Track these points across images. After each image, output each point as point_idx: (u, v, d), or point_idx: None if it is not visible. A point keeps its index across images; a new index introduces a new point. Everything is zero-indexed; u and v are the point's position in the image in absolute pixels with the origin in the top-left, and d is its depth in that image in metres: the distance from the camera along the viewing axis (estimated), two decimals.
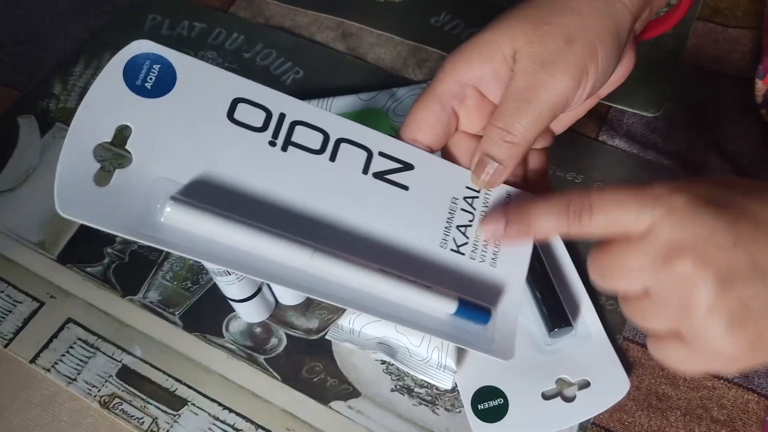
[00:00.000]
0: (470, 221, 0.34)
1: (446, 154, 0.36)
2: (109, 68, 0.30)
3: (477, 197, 0.35)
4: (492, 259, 0.34)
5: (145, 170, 0.29)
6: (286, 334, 0.48)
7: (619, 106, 0.58)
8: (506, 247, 0.34)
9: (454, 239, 0.34)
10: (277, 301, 0.49)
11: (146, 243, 0.28)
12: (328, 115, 0.32)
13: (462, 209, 0.34)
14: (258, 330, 0.49)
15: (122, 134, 0.29)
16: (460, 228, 0.34)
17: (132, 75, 0.30)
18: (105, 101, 0.29)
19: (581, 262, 0.50)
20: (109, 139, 0.29)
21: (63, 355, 0.48)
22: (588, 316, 0.47)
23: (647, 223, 0.28)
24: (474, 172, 0.34)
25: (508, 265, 0.34)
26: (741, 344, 0.27)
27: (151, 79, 0.30)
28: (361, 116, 0.57)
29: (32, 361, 0.48)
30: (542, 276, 0.47)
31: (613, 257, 0.29)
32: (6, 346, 0.49)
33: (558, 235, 0.31)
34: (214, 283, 0.50)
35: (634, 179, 0.54)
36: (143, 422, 0.45)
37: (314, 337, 0.48)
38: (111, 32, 0.67)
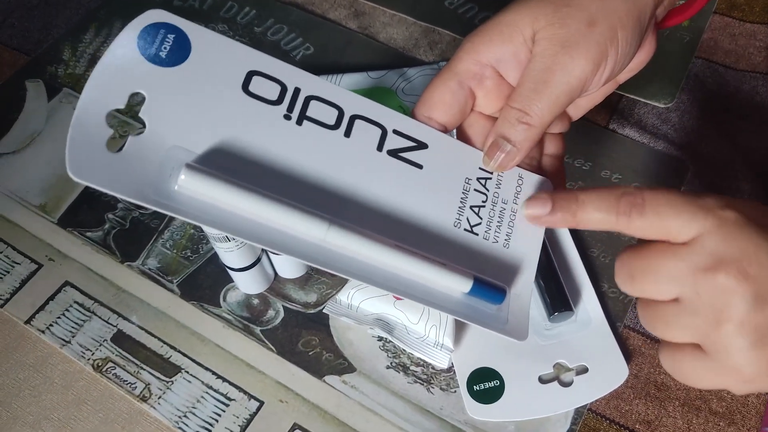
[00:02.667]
0: (483, 202, 0.34)
1: (460, 134, 0.35)
2: (123, 35, 0.29)
3: (490, 178, 0.34)
4: (505, 240, 0.34)
5: (158, 138, 0.29)
6: (284, 307, 0.48)
7: (632, 96, 0.57)
8: (519, 229, 0.34)
9: (467, 219, 0.33)
10: (276, 273, 0.49)
11: (158, 210, 0.28)
12: (343, 91, 0.32)
13: (475, 189, 0.34)
14: (255, 301, 0.48)
15: (135, 102, 0.29)
16: (474, 208, 0.34)
17: (147, 43, 0.29)
18: (119, 68, 0.29)
19: (584, 248, 0.49)
20: (122, 106, 0.29)
21: (58, 318, 0.48)
22: (589, 303, 0.46)
23: (695, 231, 0.28)
24: (486, 154, 0.34)
25: (521, 246, 0.34)
26: (761, 364, 0.27)
27: (165, 48, 0.29)
28: (370, 94, 0.56)
29: (27, 322, 0.48)
30: (545, 260, 0.46)
31: (649, 261, 0.29)
32: (2, 306, 0.49)
33: (603, 227, 0.31)
34: (214, 253, 0.50)
35: (644, 169, 0.53)
36: (135, 387, 0.45)
37: (312, 311, 0.48)
38: (121, 1, 0.66)
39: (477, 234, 0.33)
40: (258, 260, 0.45)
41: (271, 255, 0.47)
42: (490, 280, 0.33)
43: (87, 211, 0.53)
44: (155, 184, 0.28)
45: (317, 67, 0.60)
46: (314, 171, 0.31)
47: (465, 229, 0.33)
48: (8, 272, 0.50)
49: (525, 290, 0.34)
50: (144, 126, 0.29)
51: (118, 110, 0.28)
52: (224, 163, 0.29)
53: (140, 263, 0.50)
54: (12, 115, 0.58)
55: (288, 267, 0.48)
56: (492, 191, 0.34)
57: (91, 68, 0.61)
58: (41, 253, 0.51)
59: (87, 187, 0.54)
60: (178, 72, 0.29)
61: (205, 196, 0.28)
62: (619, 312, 0.46)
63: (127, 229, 0.52)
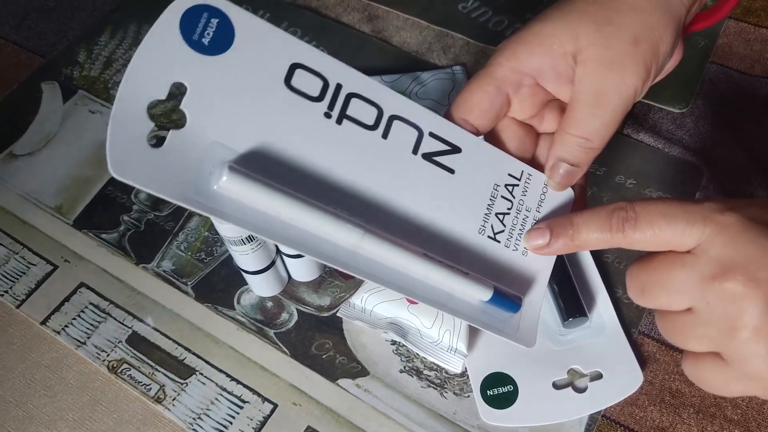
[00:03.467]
0: (508, 209, 0.34)
1: (492, 138, 0.36)
2: (164, 18, 0.27)
3: (517, 185, 0.34)
4: (524, 248, 0.34)
5: (199, 133, 0.27)
6: (298, 310, 0.48)
7: (646, 101, 0.57)
8: None
9: (492, 226, 0.33)
10: (290, 276, 0.49)
11: (199, 211, 0.27)
12: (384, 89, 0.31)
13: (502, 196, 0.34)
14: (269, 304, 0.48)
15: (177, 92, 0.27)
16: (499, 215, 0.34)
17: (189, 27, 0.27)
18: (160, 54, 0.27)
19: (599, 253, 0.49)
20: (163, 97, 0.27)
21: (74, 319, 0.48)
22: (604, 308, 0.46)
23: (695, 240, 0.27)
24: (550, 176, 0.35)
25: (537, 256, 0.34)
26: None
27: (208, 34, 0.27)
28: None
29: (43, 323, 0.48)
30: (559, 266, 0.46)
31: (657, 273, 0.29)
32: (18, 306, 0.49)
33: (603, 246, 0.31)
34: (228, 256, 0.50)
35: (658, 174, 0.53)
36: (150, 389, 0.45)
37: (325, 314, 0.48)
38: (136, 4, 0.67)
39: (499, 242, 0.34)
40: (272, 263, 0.46)
41: (285, 258, 0.47)
42: (508, 291, 0.33)
43: (102, 213, 0.53)
44: (195, 184, 0.27)
45: None
46: (350, 173, 0.30)
47: (488, 236, 0.33)
48: (24, 273, 0.51)
49: (536, 298, 0.35)
50: (185, 119, 0.27)
51: (159, 101, 0.27)
52: (263, 163, 0.28)
53: (155, 265, 0.51)
54: (28, 117, 0.59)
55: (302, 270, 0.48)
56: (518, 199, 0.34)
57: (106, 70, 0.61)
58: (57, 255, 0.51)
59: (102, 189, 0.54)
60: (221, 61, 0.28)
61: (244, 198, 0.28)
62: (634, 318, 0.46)
63: (142, 231, 0.52)
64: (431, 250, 0.31)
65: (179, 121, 0.28)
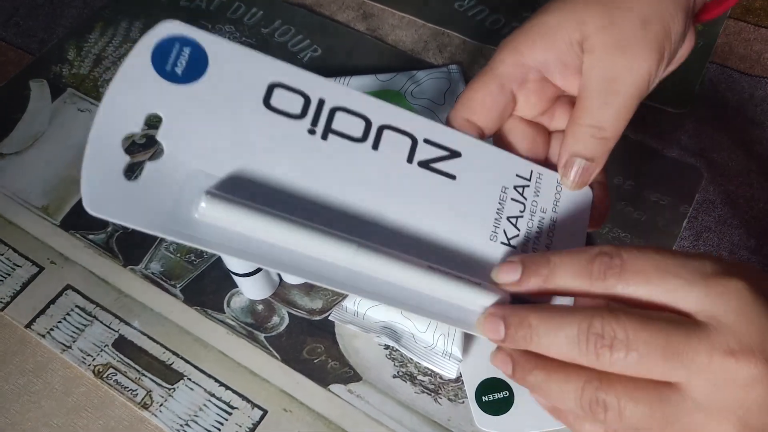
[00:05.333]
0: (521, 212, 0.32)
1: (500, 140, 0.34)
2: (136, 52, 0.27)
3: (528, 186, 0.32)
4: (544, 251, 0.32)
5: (177, 163, 0.27)
6: (289, 313, 0.47)
7: (645, 101, 0.56)
8: (559, 240, 0.32)
9: (504, 231, 0.32)
10: (281, 279, 0.48)
11: (180, 241, 0.26)
12: (370, 99, 0.30)
13: (512, 199, 0.32)
14: (260, 307, 0.47)
15: (152, 124, 0.27)
16: (511, 219, 0.32)
17: (161, 59, 0.27)
18: (133, 88, 0.27)
19: None
20: (138, 130, 0.26)
21: (59, 322, 0.47)
22: None
23: (693, 303, 0.24)
24: (564, 174, 0.32)
25: None
26: None
27: (181, 63, 0.27)
28: (378, 97, 0.56)
29: (28, 326, 0.47)
30: None
31: (656, 332, 0.24)
32: (2, 309, 0.48)
33: (581, 295, 0.27)
34: (218, 258, 0.49)
35: (657, 176, 0.52)
36: (137, 394, 0.44)
37: (317, 318, 0.47)
38: (127, 1, 0.65)
39: (515, 247, 0.32)
40: None
41: None
42: (529, 299, 0.30)
43: (90, 214, 0.52)
44: (175, 214, 0.26)
45: (325, 70, 0.59)
46: (341, 188, 0.29)
47: (502, 242, 0.31)
48: (9, 275, 0.49)
49: (564, 303, 0.32)
50: (162, 150, 0.27)
51: (134, 134, 0.27)
52: (246, 186, 0.28)
53: (143, 267, 0.49)
54: (15, 115, 0.58)
55: None
56: (530, 200, 0.32)
57: (96, 68, 0.60)
58: (43, 256, 0.50)
59: None
60: (195, 89, 0.27)
61: (227, 223, 0.27)
62: None
63: (130, 232, 0.51)
64: (439, 262, 0.30)
65: (156, 153, 0.28)
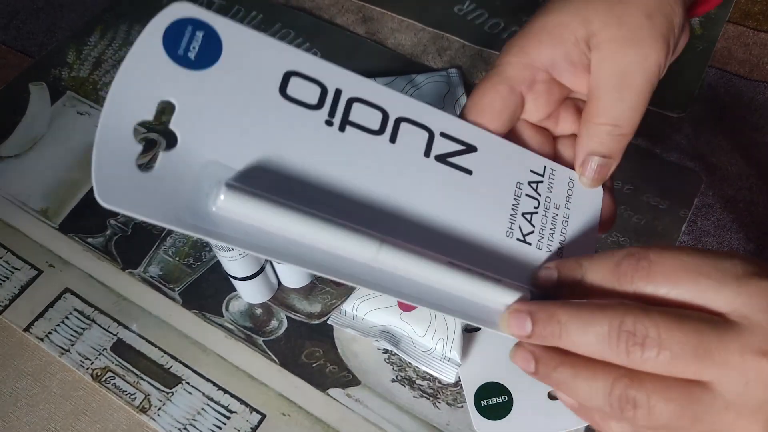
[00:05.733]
0: (535, 208, 0.32)
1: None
2: (146, 34, 0.25)
3: (542, 181, 0.32)
4: (558, 248, 0.32)
5: (191, 153, 0.26)
6: (287, 317, 0.47)
7: None
8: (572, 237, 0.32)
9: (520, 227, 0.31)
10: (279, 282, 0.48)
11: (197, 235, 0.25)
12: (387, 90, 0.29)
13: (527, 195, 0.32)
14: (258, 311, 0.47)
15: (165, 111, 0.26)
16: (526, 215, 0.31)
17: (173, 43, 0.25)
18: (144, 72, 0.25)
19: None
20: (150, 117, 0.25)
21: (58, 325, 0.47)
22: None
23: (725, 304, 0.24)
24: (582, 174, 0.32)
25: (574, 255, 0.32)
26: None
27: (194, 47, 0.26)
28: None
29: (26, 329, 0.47)
30: None
31: (679, 330, 0.24)
32: (0, 312, 0.48)
33: (604, 292, 0.27)
34: (217, 262, 0.49)
35: (657, 180, 0.52)
36: (135, 398, 0.44)
37: (316, 322, 0.47)
38: (128, 4, 0.66)
39: (530, 243, 0.31)
40: (262, 269, 0.45)
41: (275, 264, 0.46)
42: (545, 296, 0.31)
43: (89, 217, 0.52)
44: (192, 206, 0.25)
45: None
46: (359, 182, 0.28)
47: (517, 239, 0.31)
48: (8, 278, 0.49)
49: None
50: (176, 139, 0.26)
51: (146, 122, 0.26)
52: (264, 178, 0.27)
53: (142, 270, 0.49)
54: (15, 118, 0.58)
55: (292, 276, 0.47)
56: (544, 196, 0.32)
57: (96, 71, 0.60)
58: (41, 259, 0.50)
59: (89, 192, 0.53)
60: (209, 75, 0.26)
61: (246, 217, 0.26)
62: None
63: (129, 236, 0.51)
64: (457, 258, 0.29)
65: (169, 142, 0.27)
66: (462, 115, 0.32)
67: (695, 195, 0.52)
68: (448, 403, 0.43)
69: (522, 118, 0.33)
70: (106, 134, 0.24)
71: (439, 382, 0.44)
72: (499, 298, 0.29)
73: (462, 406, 0.43)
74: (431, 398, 0.44)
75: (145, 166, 0.25)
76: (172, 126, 0.26)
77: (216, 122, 0.26)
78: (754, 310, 0.24)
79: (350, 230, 0.27)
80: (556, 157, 0.34)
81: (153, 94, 0.25)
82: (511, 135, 0.33)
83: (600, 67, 0.30)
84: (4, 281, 0.49)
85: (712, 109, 0.56)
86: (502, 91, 0.32)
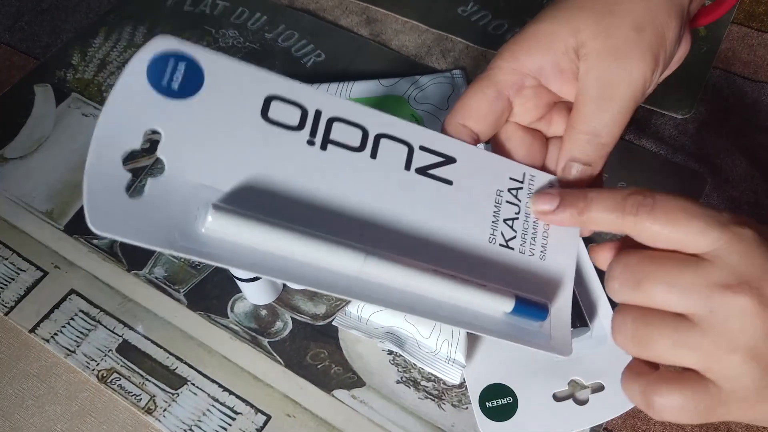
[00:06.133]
0: (516, 213, 0.33)
1: (498, 147, 0.35)
2: (131, 68, 0.27)
3: (521, 188, 0.33)
4: (541, 252, 0.33)
5: (179, 178, 0.27)
6: (292, 318, 0.47)
7: (648, 106, 0.56)
8: (554, 239, 0.33)
9: (502, 233, 0.32)
10: (284, 284, 0.48)
11: (188, 257, 0.26)
12: (365, 109, 0.31)
13: (507, 201, 0.33)
14: (263, 312, 0.47)
15: (151, 140, 0.27)
16: (507, 221, 0.32)
17: (156, 75, 0.27)
18: (130, 104, 0.27)
19: None
20: (137, 146, 0.26)
21: (63, 327, 0.47)
22: (605, 318, 0.45)
23: (708, 244, 0.26)
24: (563, 178, 0.33)
25: (557, 257, 0.33)
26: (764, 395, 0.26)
27: (177, 78, 0.27)
28: (382, 102, 0.56)
29: (32, 330, 0.47)
30: None
31: (664, 267, 0.27)
32: (6, 314, 0.48)
33: (610, 229, 0.29)
34: None
35: (661, 181, 0.52)
36: (140, 399, 0.44)
37: (321, 323, 0.47)
38: (132, 6, 0.66)
39: (512, 248, 0.32)
40: None
41: None
42: (532, 298, 0.32)
43: (95, 233, 0.52)
44: (181, 229, 0.26)
45: (328, 75, 0.60)
46: (343, 197, 0.29)
47: (500, 245, 0.32)
48: (13, 279, 0.49)
49: (565, 303, 0.33)
50: (163, 166, 0.27)
51: (133, 151, 0.26)
52: (250, 198, 0.28)
53: (147, 272, 0.50)
54: (20, 119, 0.58)
55: None
56: (524, 202, 0.33)
57: (100, 73, 0.60)
58: (47, 261, 0.50)
59: None
60: (192, 104, 0.28)
61: (234, 236, 0.27)
62: None
63: None
64: (442, 266, 0.30)
65: (157, 169, 0.27)
66: (448, 116, 0.33)
67: (700, 196, 0.52)
68: (453, 405, 0.43)
69: (513, 120, 0.34)
70: (96, 164, 0.26)
71: (444, 383, 0.44)
72: (484, 302, 0.30)
73: (467, 408, 0.43)
74: (436, 399, 0.44)
75: (135, 192, 0.26)
76: (159, 153, 0.27)
77: (201, 147, 0.27)
78: (729, 251, 0.26)
79: (336, 244, 0.28)
80: (547, 158, 0.35)
81: (140, 124, 0.27)
82: (502, 139, 0.34)
83: (586, 78, 0.31)
84: (9, 282, 0.49)
85: (716, 111, 0.56)
86: (489, 94, 0.33)
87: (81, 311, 0.48)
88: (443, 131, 0.33)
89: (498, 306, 0.31)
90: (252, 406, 0.44)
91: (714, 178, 0.52)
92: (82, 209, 0.52)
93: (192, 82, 0.28)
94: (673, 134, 0.55)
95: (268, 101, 0.29)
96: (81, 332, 0.47)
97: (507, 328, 0.31)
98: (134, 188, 0.26)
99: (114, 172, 0.26)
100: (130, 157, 0.26)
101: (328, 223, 0.29)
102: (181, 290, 0.49)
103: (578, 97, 0.32)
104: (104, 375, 0.45)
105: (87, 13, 0.66)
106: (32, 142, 0.57)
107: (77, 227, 0.52)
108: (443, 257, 0.31)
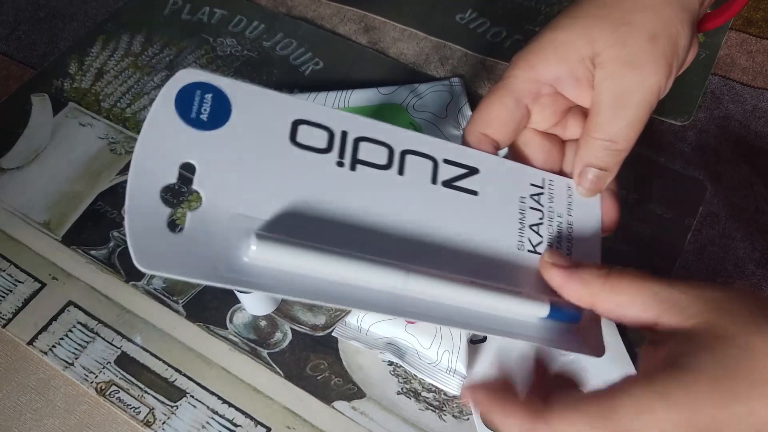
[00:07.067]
0: (540, 219, 0.33)
1: (517, 153, 0.35)
2: (159, 102, 0.27)
3: (542, 193, 0.34)
4: (567, 254, 0.33)
5: (217, 209, 0.27)
6: (292, 329, 0.47)
7: None
8: (578, 241, 0.34)
9: (529, 239, 0.33)
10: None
11: (236, 288, 0.26)
12: (389, 127, 0.31)
13: (531, 207, 0.33)
14: (263, 323, 0.47)
15: (187, 173, 0.27)
16: (533, 227, 0.33)
17: (185, 107, 0.27)
18: (162, 139, 0.27)
19: None
20: (173, 180, 0.26)
21: (61, 339, 0.47)
22: (606, 327, 0.45)
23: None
24: (579, 183, 0.34)
25: (582, 258, 0.33)
26: None
27: (205, 110, 0.28)
28: (380, 111, 0.56)
29: (30, 343, 0.47)
30: None
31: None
32: (4, 326, 0.48)
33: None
34: None
35: (661, 188, 0.52)
36: (139, 412, 0.44)
37: (320, 334, 0.46)
38: (130, 14, 0.66)
39: (541, 253, 0.33)
40: None
41: None
42: (565, 302, 0.31)
43: (92, 229, 0.52)
44: (225, 260, 0.26)
45: (326, 83, 0.59)
46: (376, 215, 0.30)
47: (529, 251, 0.32)
48: (11, 291, 0.49)
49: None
50: (200, 198, 0.27)
51: (169, 185, 0.26)
52: (289, 224, 0.28)
53: (145, 283, 0.49)
54: (17, 129, 0.58)
55: None
56: (546, 206, 0.33)
57: (98, 82, 0.60)
58: (45, 272, 0.50)
59: (92, 204, 0.53)
60: (223, 134, 0.28)
61: (279, 263, 0.27)
62: (638, 338, 0.45)
63: None
64: (474, 276, 0.30)
65: (195, 202, 0.27)
66: (469, 125, 0.34)
67: (700, 204, 0.51)
68: (453, 416, 0.43)
69: (530, 126, 0.35)
70: (136, 202, 0.26)
71: (445, 394, 0.44)
72: (521, 310, 0.30)
73: (468, 419, 0.43)
74: (437, 410, 0.43)
75: (175, 227, 0.26)
76: (195, 186, 0.27)
77: (236, 176, 0.28)
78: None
79: (377, 264, 0.28)
80: (564, 161, 0.36)
81: (173, 158, 0.27)
82: (520, 145, 0.35)
83: (601, 85, 0.32)
84: (7, 294, 0.49)
85: (715, 117, 0.56)
86: (508, 103, 0.33)
87: (79, 323, 0.48)
88: (464, 141, 0.34)
89: (534, 312, 0.31)
90: (252, 418, 0.43)
91: (714, 184, 0.52)
92: (79, 220, 0.52)
93: (220, 112, 0.28)
94: (673, 141, 0.55)
95: (295, 125, 0.29)
96: (79, 344, 0.47)
97: (543, 333, 0.31)
98: (175, 224, 0.26)
99: (153, 208, 0.26)
100: (166, 192, 0.26)
101: (365, 243, 0.29)
102: (180, 301, 0.48)
103: (594, 104, 0.32)
104: (103, 387, 0.45)
105: (84, 21, 0.65)
106: (29, 153, 0.56)
107: (75, 238, 0.52)
108: (477, 267, 0.31)
